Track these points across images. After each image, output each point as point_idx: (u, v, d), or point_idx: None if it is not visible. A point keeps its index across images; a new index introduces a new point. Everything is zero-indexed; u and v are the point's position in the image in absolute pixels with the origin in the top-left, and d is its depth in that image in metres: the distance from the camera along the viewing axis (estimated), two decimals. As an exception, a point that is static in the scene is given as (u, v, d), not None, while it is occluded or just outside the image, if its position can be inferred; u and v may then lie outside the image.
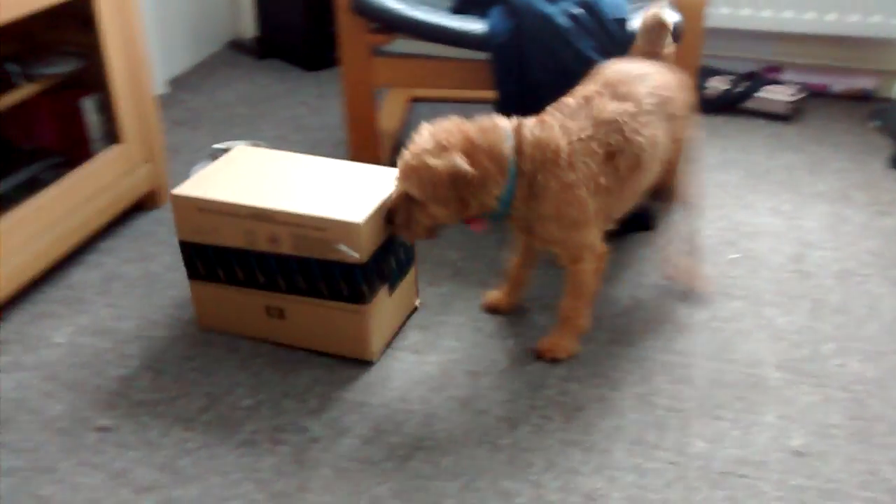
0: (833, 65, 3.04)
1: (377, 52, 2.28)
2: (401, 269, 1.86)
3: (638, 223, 2.29)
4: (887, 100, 2.95)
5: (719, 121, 2.92)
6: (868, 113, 2.91)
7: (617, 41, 2.08)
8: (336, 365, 1.81)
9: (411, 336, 1.90)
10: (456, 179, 1.57)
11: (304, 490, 1.52)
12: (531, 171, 1.63)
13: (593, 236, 1.73)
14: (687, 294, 1.91)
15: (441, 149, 1.57)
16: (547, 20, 2.03)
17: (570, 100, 1.72)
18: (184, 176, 2.06)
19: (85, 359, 1.83)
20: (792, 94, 2.91)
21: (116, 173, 2.05)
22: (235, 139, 2.64)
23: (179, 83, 3.24)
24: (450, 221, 1.65)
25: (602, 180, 1.67)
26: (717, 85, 2.99)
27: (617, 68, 1.79)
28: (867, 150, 2.70)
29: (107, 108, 2.12)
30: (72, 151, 2.13)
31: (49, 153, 2.14)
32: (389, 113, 2.85)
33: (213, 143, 2.60)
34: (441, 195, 1.58)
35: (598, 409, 1.71)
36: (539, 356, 1.82)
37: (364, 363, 1.81)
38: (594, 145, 1.66)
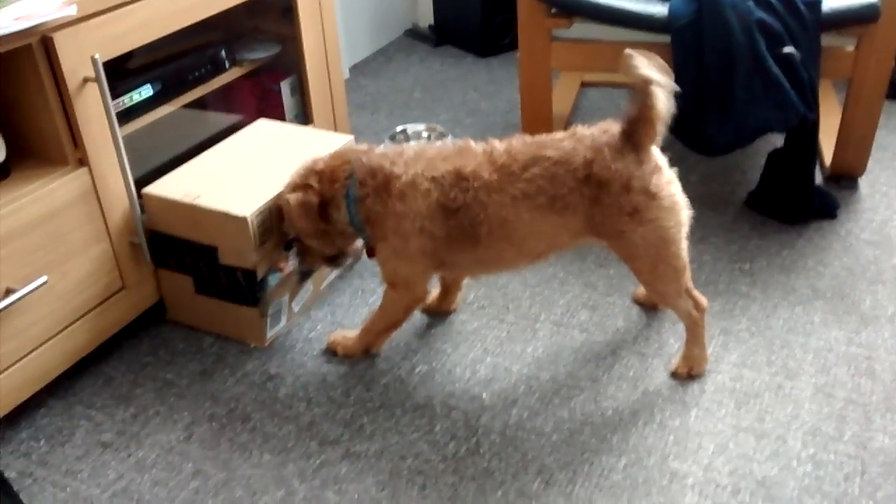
0: None
1: (554, 38, 2.31)
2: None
3: (819, 211, 2.21)
4: None
5: (914, 107, 2.75)
6: None
7: (808, 27, 2.02)
8: (505, 339, 1.87)
9: (580, 314, 1.93)
10: (307, 210, 1.68)
11: (475, 454, 1.58)
12: (364, 195, 1.66)
13: (412, 274, 1.69)
14: (693, 378, 1.73)
15: (294, 187, 1.71)
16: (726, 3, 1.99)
17: (444, 145, 1.68)
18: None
19: (276, 321, 1.98)
20: None
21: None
22: (412, 122, 2.76)
23: (360, 69, 3.40)
24: (326, 249, 1.78)
25: (427, 224, 1.62)
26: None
27: (526, 140, 1.61)
28: None
29: (300, 91, 2.27)
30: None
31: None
32: (561, 97, 2.88)
33: (392, 127, 2.73)
34: (301, 227, 1.71)
35: (773, 398, 1.67)
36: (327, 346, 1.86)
37: (535, 340, 1.86)
38: (431, 188, 1.60)
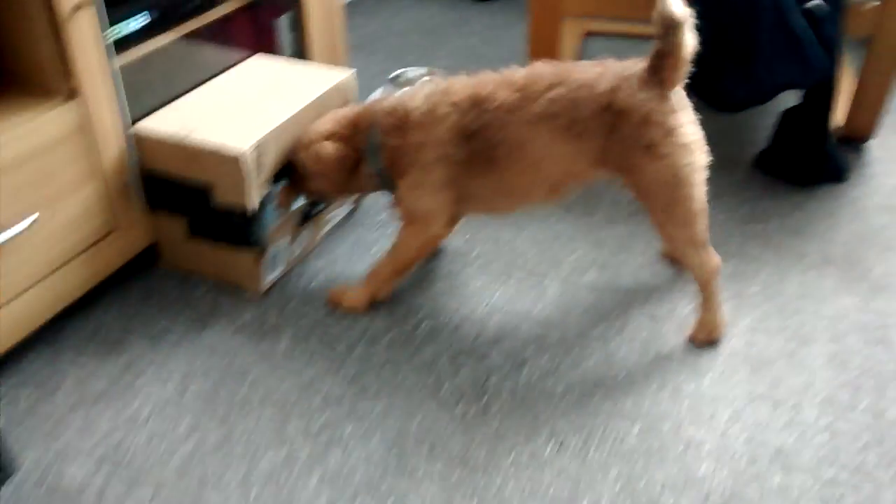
0: None
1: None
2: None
3: (830, 174, 2.17)
4: None
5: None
6: None
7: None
8: (515, 296, 1.81)
9: (589, 273, 1.88)
10: (342, 163, 1.70)
11: (485, 415, 1.53)
12: (384, 137, 1.66)
13: (433, 206, 1.67)
14: (712, 344, 1.69)
15: (330, 135, 1.70)
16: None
17: (461, 77, 1.67)
18: (362, 99, 2.07)
19: (272, 270, 1.90)
20: None
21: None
22: (410, 66, 2.65)
23: (355, 8, 3.27)
24: (334, 195, 1.80)
25: (448, 150, 1.61)
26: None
27: (546, 66, 1.61)
28: None
29: (298, 27, 2.16)
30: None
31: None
32: (564, 46, 2.79)
33: (390, 69, 2.62)
34: (328, 174, 1.72)
35: (786, 365, 1.64)
36: (329, 300, 1.80)
37: (544, 299, 1.81)
38: (451, 111, 1.60)
